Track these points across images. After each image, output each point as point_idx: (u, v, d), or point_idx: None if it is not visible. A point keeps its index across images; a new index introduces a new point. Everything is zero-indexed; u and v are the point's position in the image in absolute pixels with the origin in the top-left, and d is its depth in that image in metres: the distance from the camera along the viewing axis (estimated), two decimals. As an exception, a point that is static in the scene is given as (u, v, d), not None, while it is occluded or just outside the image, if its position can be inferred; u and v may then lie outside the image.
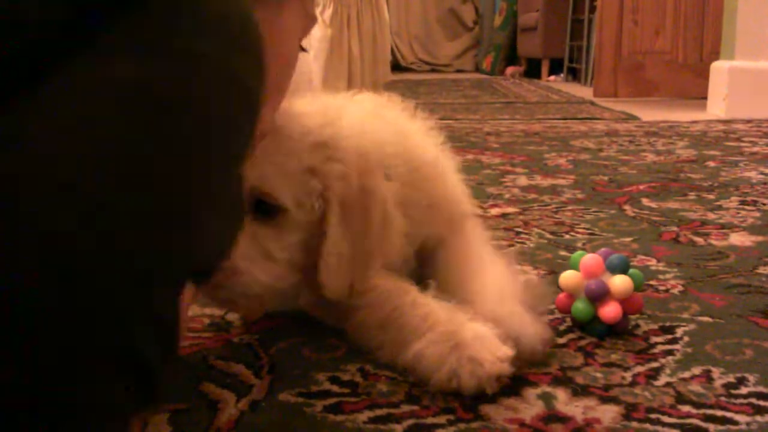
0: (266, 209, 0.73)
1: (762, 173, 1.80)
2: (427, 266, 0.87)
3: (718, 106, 3.12)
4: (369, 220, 0.75)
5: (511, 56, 6.91)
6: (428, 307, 0.73)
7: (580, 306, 0.80)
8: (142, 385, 0.42)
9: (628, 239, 1.20)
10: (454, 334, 0.68)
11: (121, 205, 0.39)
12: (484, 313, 0.75)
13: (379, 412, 0.65)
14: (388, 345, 0.73)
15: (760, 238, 1.20)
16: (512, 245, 1.16)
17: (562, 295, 0.84)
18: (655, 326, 0.83)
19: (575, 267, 0.82)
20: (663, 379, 0.70)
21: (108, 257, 0.39)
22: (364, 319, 0.76)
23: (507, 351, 0.68)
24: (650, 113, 3.19)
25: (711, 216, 1.36)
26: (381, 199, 0.76)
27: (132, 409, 0.44)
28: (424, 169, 0.85)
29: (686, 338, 0.80)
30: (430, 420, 0.64)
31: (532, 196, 1.55)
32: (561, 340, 0.79)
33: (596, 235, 1.23)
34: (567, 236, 1.22)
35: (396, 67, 6.72)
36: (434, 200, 0.86)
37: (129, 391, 0.42)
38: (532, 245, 1.17)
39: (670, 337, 0.80)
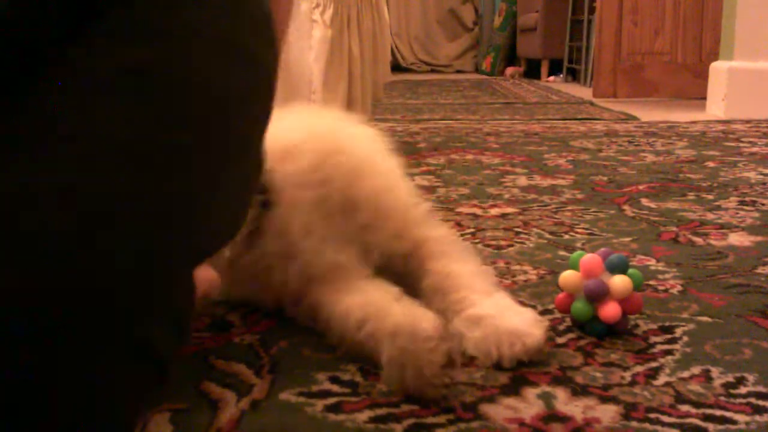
0: None
1: (761, 173, 1.80)
2: (407, 274, 0.87)
3: (717, 107, 3.13)
4: None
5: (510, 57, 6.91)
6: (393, 315, 0.72)
7: (579, 306, 0.80)
8: (151, 367, 0.43)
9: (628, 239, 1.20)
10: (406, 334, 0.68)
11: (125, 195, 0.39)
12: (478, 309, 0.76)
13: (379, 411, 0.65)
14: (365, 357, 0.73)
15: (759, 238, 1.20)
16: (512, 245, 1.17)
17: (561, 295, 0.84)
18: (654, 326, 0.83)
19: (574, 267, 0.82)
20: (662, 379, 0.71)
21: (109, 243, 0.39)
22: (339, 334, 0.77)
23: (444, 346, 0.67)
24: (649, 114, 3.19)
25: (710, 216, 1.36)
26: None
27: (145, 396, 0.44)
28: (359, 168, 0.85)
29: (685, 338, 0.80)
30: (430, 420, 0.64)
31: (532, 196, 1.56)
32: (560, 340, 0.79)
33: (596, 235, 1.24)
34: (566, 236, 1.23)
35: (396, 67, 6.72)
36: (380, 207, 0.85)
37: (142, 376, 0.42)
38: (531, 245, 1.17)
39: (669, 336, 0.80)
